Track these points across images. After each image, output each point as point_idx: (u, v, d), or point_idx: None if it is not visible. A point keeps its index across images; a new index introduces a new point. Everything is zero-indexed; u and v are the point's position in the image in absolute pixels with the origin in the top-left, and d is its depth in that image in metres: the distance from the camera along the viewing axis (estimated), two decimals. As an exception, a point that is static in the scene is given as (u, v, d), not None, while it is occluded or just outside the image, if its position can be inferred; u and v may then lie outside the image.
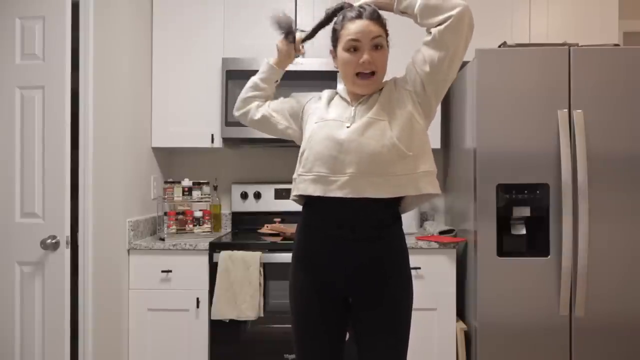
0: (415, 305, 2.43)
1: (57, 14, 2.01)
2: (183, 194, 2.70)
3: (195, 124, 2.78)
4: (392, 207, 1.50)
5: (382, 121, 1.42)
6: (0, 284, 2.05)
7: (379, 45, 1.45)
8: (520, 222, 2.34)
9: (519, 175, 2.30)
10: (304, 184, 1.47)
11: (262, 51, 2.72)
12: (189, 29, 2.78)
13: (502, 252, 2.31)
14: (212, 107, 2.77)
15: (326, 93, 1.62)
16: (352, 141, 1.41)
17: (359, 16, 1.45)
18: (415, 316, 2.45)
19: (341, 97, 1.57)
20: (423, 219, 3.11)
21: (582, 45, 2.36)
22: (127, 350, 2.48)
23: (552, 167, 2.29)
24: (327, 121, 1.48)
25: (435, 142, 2.78)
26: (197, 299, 2.47)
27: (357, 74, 1.46)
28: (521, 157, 2.30)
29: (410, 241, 2.49)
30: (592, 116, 2.28)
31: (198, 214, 2.72)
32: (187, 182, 2.71)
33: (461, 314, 2.59)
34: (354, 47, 1.44)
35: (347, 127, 1.44)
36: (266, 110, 1.67)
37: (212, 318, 2.40)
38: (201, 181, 2.75)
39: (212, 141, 2.77)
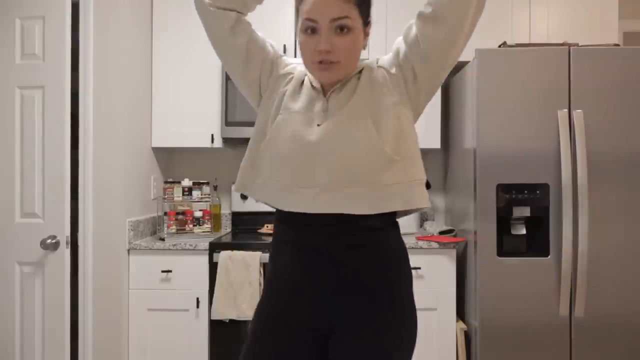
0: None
1: (57, 14, 2.01)
2: (183, 194, 2.70)
3: (195, 124, 2.78)
4: (389, 223, 1.20)
5: (363, 118, 1.13)
6: (0, 284, 2.05)
7: (344, 28, 1.11)
8: (520, 222, 2.34)
9: (519, 175, 2.30)
10: (270, 194, 1.19)
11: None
12: (189, 29, 2.78)
13: (502, 252, 2.31)
14: (212, 107, 2.77)
15: (297, 72, 1.25)
16: (325, 143, 1.12)
17: None
18: (415, 316, 2.46)
19: (311, 82, 1.22)
20: (423, 219, 3.11)
21: (582, 45, 2.36)
22: (127, 350, 2.48)
23: (552, 167, 2.29)
24: (292, 114, 1.18)
25: (435, 142, 2.78)
26: (197, 299, 2.47)
27: (319, 62, 1.14)
28: (521, 157, 2.30)
29: (410, 241, 2.49)
30: (592, 116, 2.28)
31: (198, 214, 2.72)
32: (187, 182, 2.71)
33: (461, 314, 2.59)
34: (311, 28, 1.12)
35: (318, 124, 1.15)
36: (245, 42, 1.21)
37: (212, 318, 2.40)
38: (201, 181, 2.75)
39: (212, 141, 2.77)
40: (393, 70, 1.18)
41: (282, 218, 1.21)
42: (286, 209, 1.15)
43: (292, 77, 1.25)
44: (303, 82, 1.24)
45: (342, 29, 1.11)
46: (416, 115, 1.21)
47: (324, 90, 1.21)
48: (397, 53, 1.19)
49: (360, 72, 1.21)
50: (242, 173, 1.24)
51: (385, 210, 1.12)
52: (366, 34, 1.20)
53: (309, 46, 1.13)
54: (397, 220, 1.24)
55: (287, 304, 1.19)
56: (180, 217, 2.68)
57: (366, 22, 1.18)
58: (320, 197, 1.11)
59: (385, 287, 1.15)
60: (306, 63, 1.18)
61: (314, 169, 1.12)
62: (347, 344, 1.14)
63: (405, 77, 1.17)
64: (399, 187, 1.12)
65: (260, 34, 1.25)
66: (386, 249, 1.18)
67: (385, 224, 1.18)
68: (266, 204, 1.21)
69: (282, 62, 1.28)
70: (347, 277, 1.14)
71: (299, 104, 1.19)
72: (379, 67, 1.21)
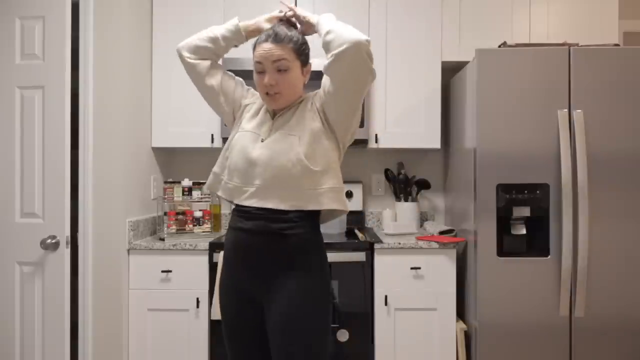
0: (415, 305, 2.47)
1: (57, 14, 2.02)
2: (183, 194, 2.70)
3: (195, 124, 2.78)
4: (306, 219, 1.52)
5: (293, 136, 1.48)
6: (0, 284, 2.05)
7: (283, 68, 1.49)
8: (520, 222, 2.34)
9: (519, 175, 2.30)
10: (227, 191, 1.57)
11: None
12: (188, 29, 2.78)
13: (502, 252, 2.31)
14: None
15: (259, 101, 1.66)
16: (262, 155, 1.49)
17: (265, 39, 1.50)
18: (415, 316, 2.47)
19: (267, 108, 1.61)
20: (423, 219, 3.11)
21: (582, 45, 2.36)
22: (127, 350, 2.48)
23: (552, 167, 2.29)
24: (244, 132, 1.56)
25: (435, 142, 2.78)
26: (197, 299, 2.47)
27: (266, 93, 1.52)
28: (521, 157, 2.30)
29: (410, 241, 2.49)
30: (592, 116, 2.28)
31: (198, 214, 2.72)
32: (187, 182, 2.71)
33: (461, 314, 2.59)
34: (260, 69, 1.50)
35: (262, 140, 1.52)
36: (218, 84, 1.64)
37: (212, 318, 2.40)
38: (201, 181, 2.75)
39: (212, 141, 2.77)
40: (318, 105, 1.54)
41: (235, 209, 1.59)
42: (235, 202, 1.56)
43: (254, 105, 1.66)
44: (261, 108, 1.63)
45: (281, 68, 1.49)
46: (337, 137, 1.54)
47: (275, 114, 1.58)
48: (323, 93, 1.53)
49: (301, 102, 1.58)
50: (212, 176, 1.65)
51: (302, 208, 1.48)
52: (306, 72, 1.58)
53: (260, 82, 1.52)
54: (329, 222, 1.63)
55: (236, 279, 1.56)
56: (180, 217, 2.68)
57: (305, 63, 1.55)
58: (255, 195, 1.50)
59: (293, 261, 1.50)
60: (260, 95, 1.56)
61: (252, 174, 1.50)
62: (269, 307, 1.50)
63: (323, 108, 1.53)
64: (312, 192, 1.48)
65: (231, 75, 1.69)
66: (298, 235, 1.51)
67: (302, 220, 1.51)
68: (225, 199, 1.61)
69: (249, 94, 1.69)
70: (268, 255, 1.51)
71: (251, 125, 1.59)
72: (314, 98, 1.57)
